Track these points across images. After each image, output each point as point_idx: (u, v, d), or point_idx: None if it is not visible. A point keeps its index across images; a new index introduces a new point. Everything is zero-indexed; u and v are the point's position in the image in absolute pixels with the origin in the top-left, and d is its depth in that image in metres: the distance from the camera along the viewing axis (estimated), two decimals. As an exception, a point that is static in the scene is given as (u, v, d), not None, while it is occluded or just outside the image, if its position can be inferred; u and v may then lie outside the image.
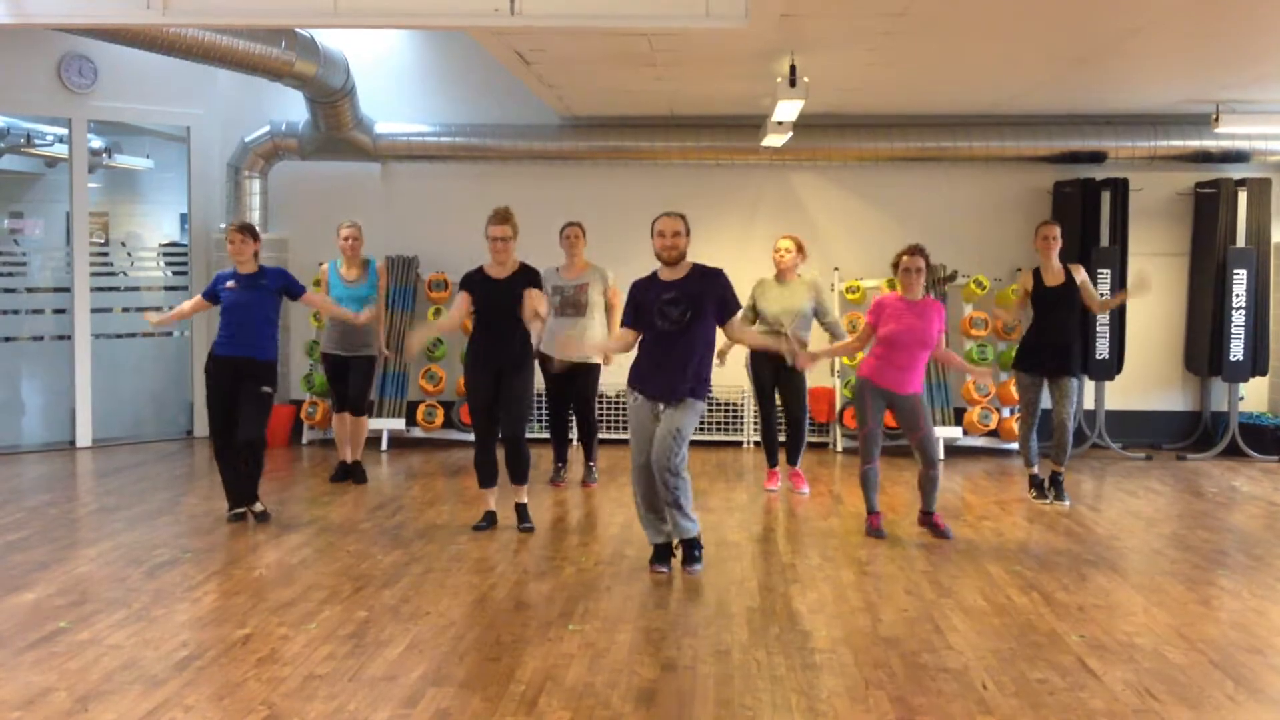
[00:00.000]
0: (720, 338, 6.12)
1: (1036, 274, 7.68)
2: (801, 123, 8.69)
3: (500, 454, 6.84)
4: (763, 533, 6.91)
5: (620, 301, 7.76)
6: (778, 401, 8.04)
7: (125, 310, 10.38)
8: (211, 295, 7.08)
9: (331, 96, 9.28)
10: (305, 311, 10.01)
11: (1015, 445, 9.85)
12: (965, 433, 9.81)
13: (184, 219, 11.37)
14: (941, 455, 6.82)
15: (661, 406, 5.81)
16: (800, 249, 7.85)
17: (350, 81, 9.39)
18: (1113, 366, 9.89)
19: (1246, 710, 4.14)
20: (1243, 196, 9.98)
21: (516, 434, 6.78)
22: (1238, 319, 9.71)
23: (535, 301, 6.60)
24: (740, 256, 9.37)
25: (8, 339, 9.94)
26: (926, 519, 6.80)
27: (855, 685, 4.33)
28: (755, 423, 10.21)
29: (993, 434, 9.88)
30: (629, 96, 9.15)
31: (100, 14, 6.07)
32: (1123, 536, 6.90)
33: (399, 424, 10.01)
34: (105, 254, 10.77)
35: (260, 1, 5.92)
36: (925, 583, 5.77)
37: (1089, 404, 10.00)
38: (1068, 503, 7.70)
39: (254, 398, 6.92)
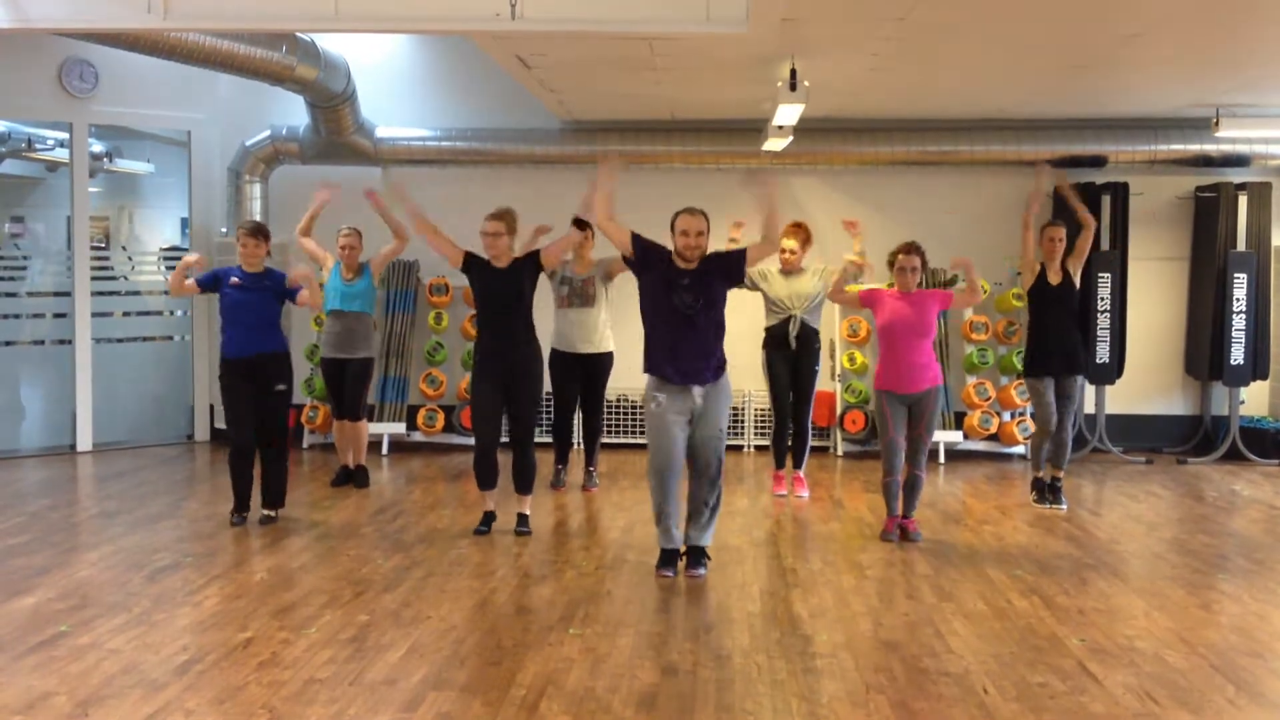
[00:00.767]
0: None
1: (1043, 269, 7.76)
2: (802, 127, 8.69)
3: (503, 459, 6.82)
4: (764, 537, 6.90)
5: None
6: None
7: (126, 314, 10.38)
8: (208, 283, 7.00)
9: (332, 101, 9.28)
10: (306, 316, 10.03)
11: (1016, 449, 9.88)
12: (966, 437, 9.81)
13: (185, 223, 11.38)
14: (925, 468, 6.80)
15: (696, 391, 5.78)
16: (807, 241, 7.95)
17: (351, 86, 9.40)
18: (1113, 371, 9.89)
19: (1247, 714, 4.14)
20: (1243, 201, 9.98)
21: (524, 440, 6.79)
22: (1238, 323, 9.71)
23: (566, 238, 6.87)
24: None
25: (8, 343, 9.94)
26: (901, 522, 6.81)
27: (856, 690, 4.33)
28: (758, 426, 10.22)
29: (993, 438, 9.88)
30: (630, 101, 9.16)
31: (101, 18, 6.10)
32: (1123, 540, 6.90)
33: (400, 428, 10.01)
34: (106, 258, 10.78)
35: (261, 5, 5.94)
36: (926, 587, 5.77)
37: (1089, 408, 10.00)
38: (1064, 506, 7.71)
39: (275, 399, 6.97)
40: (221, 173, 10.41)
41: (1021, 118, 9.91)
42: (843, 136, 10.01)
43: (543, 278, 6.99)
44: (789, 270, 7.88)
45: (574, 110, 9.70)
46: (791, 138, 8.89)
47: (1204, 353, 9.99)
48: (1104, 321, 9.71)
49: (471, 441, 9.77)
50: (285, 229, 10.43)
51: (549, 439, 8.62)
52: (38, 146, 11.27)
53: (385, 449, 9.91)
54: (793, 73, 7.39)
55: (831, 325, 9.73)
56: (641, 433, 9.94)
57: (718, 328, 5.89)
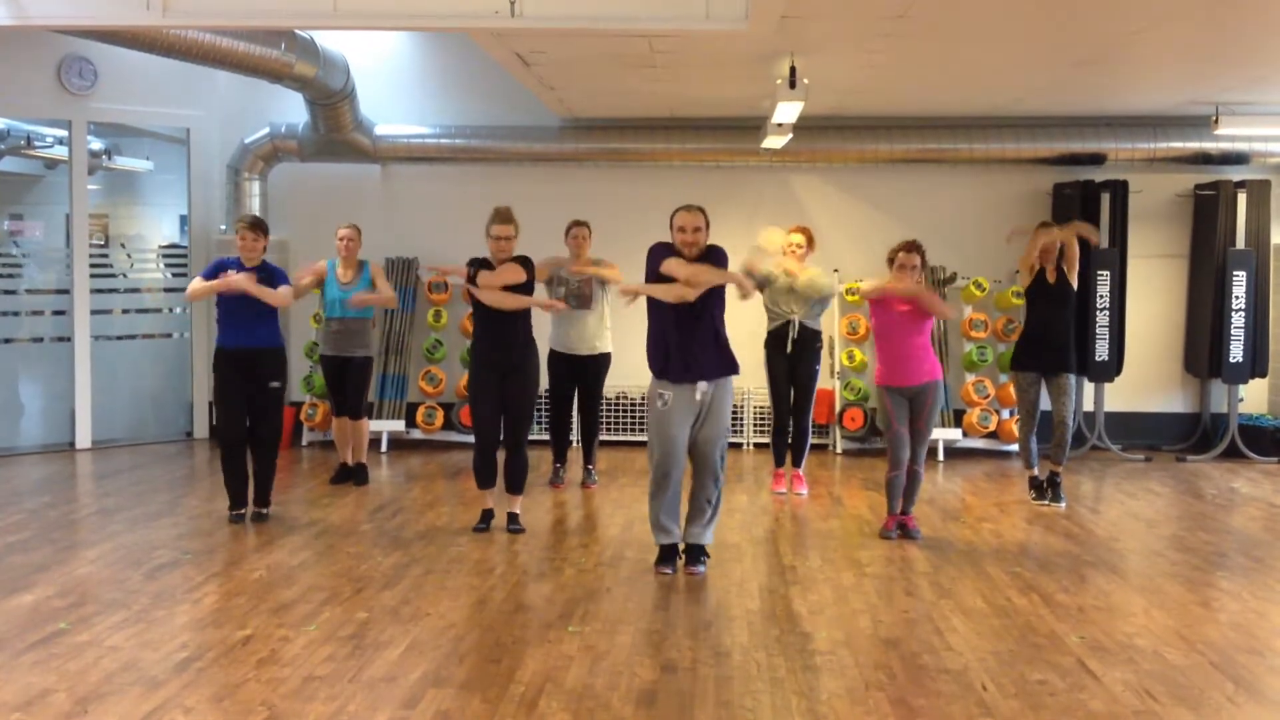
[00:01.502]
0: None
1: (1041, 269, 7.79)
2: (801, 125, 8.69)
3: (499, 459, 6.83)
4: (763, 535, 6.91)
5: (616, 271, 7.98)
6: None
7: (125, 312, 10.38)
8: (211, 278, 6.97)
9: (331, 98, 9.28)
10: (305, 313, 10.02)
11: (1015, 447, 9.88)
12: (965, 434, 9.81)
13: (184, 221, 11.37)
14: (924, 464, 6.81)
15: (705, 388, 5.79)
16: (810, 243, 7.92)
17: (350, 83, 9.40)
18: (1112, 368, 9.89)
19: (1246, 712, 4.14)
20: (1242, 198, 9.98)
21: (519, 440, 6.77)
22: (1237, 321, 9.71)
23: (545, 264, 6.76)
24: (740, 258, 9.36)
25: (7, 340, 9.93)
26: (900, 518, 6.83)
27: (855, 687, 4.33)
28: (757, 424, 10.22)
29: (992, 435, 9.89)
30: (629, 98, 9.15)
31: (100, 15, 6.08)
32: (1122, 538, 6.90)
33: (399, 425, 10.01)
34: (105, 256, 10.77)
35: (260, 3, 5.93)
36: (925, 584, 5.77)
37: (1088, 405, 10.00)
38: (1063, 504, 7.72)
39: (268, 396, 6.96)
40: (221, 170, 10.41)
41: (1021, 115, 9.91)
42: (842, 134, 10.01)
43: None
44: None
45: (573, 108, 9.70)
46: (791, 135, 8.89)
47: (1203, 350, 10.00)
48: (1103, 319, 9.71)
49: (470, 439, 9.81)
50: (284, 227, 10.45)
51: (547, 437, 8.63)
52: (37, 144, 11.27)
53: (384, 446, 9.91)
54: (792, 70, 7.39)
55: (831, 323, 9.72)
56: (641, 430, 9.97)
57: (720, 324, 5.91)
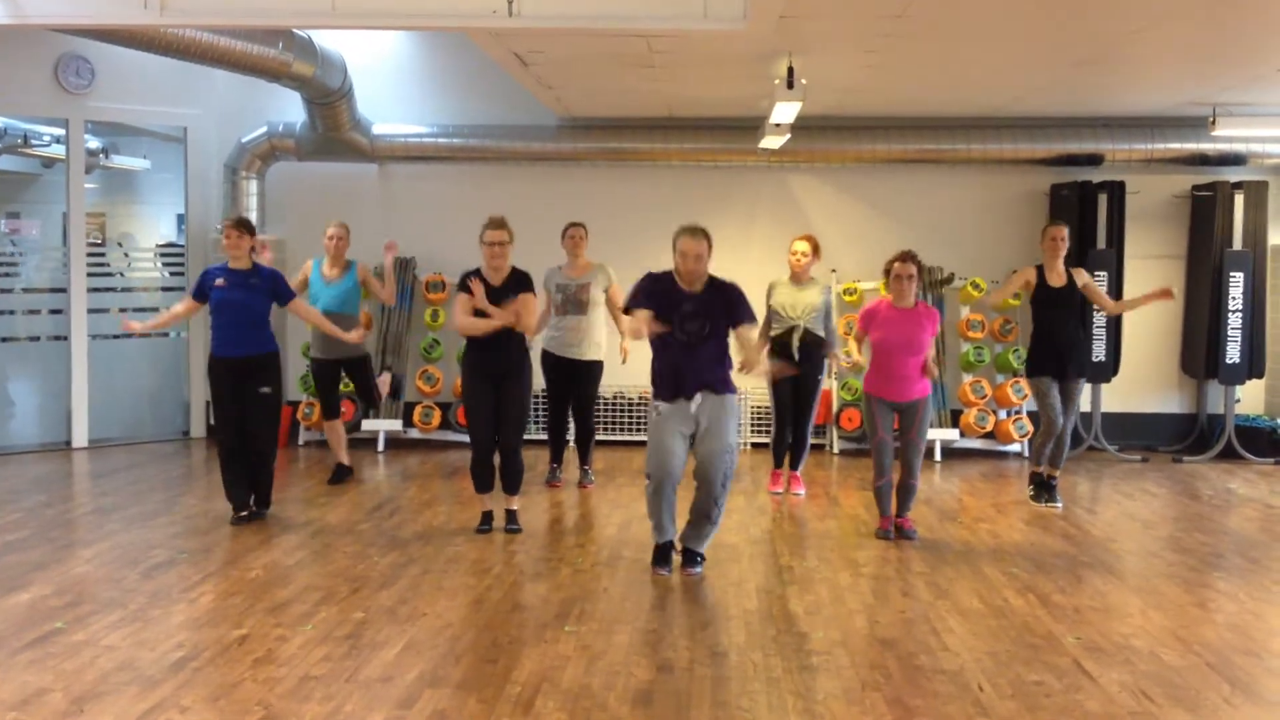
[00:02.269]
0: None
1: (1040, 273, 7.65)
2: (799, 125, 8.69)
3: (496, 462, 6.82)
4: (760, 535, 6.91)
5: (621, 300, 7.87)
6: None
7: (122, 311, 10.36)
8: (201, 294, 6.96)
9: (329, 97, 9.27)
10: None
11: (1012, 448, 9.89)
12: (962, 434, 9.81)
13: (181, 219, 11.36)
14: (919, 474, 6.78)
15: (699, 401, 5.72)
16: (816, 250, 7.84)
17: (348, 82, 9.39)
18: (1109, 369, 9.90)
19: (1242, 713, 4.14)
20: (1239, 199, 9.98)
21: (514, 443, 6.71)
22: (1234, 321, 9.72)
23: (519, 306, 6.50)
24: (739, 259, 9.37)
25: (4, 339, 9.92)
26: (896, 521, 6.81)
27: (852, 687, 4.33)
28: (755, 425, 10.21)
29: (989, 436, 9.89)
30: (627, 98, 9.15)
31: (98, 14, 6.07)
32: (1119, 539, 6.90)
33: (396, 425, 10.00)
34: (102, 254, 10.75)
35: (258, 2, 5.92)
36: (922, 585, 5.77)
37: (1085, 406, 10.00)
38: (1060, 505, 7.71)
39: (259, 403, 6.91)
40: (218, 169, 10.40)
41: (1018, 116, 9.92)
42: (840, 134, 10.01)
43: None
44: (798, 279, 7.78)
45: (571, 107, 9.70)
46: (789, 135, 8.88)
47: (1200, 351, 10.00)
48: (1100, 320, 9.70)
49: (464, 438, 9.80)
50: (282, 226, 10.45)
51: (543, 436, 8.62)
52: (34, 142, 11.26)
53: (381, 445, 9.90)
54: (790, 70, 7.39)
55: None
56: (638, 430, 9.98)
57: (724, 350, 5.86)
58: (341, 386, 8.48)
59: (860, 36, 6.94)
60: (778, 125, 8.30)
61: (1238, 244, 9.95)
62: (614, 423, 10.17)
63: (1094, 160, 9.98)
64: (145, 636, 4.83)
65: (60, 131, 10.25)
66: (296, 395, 10.22)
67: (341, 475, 8.35)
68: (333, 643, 4.77)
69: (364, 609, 5.25)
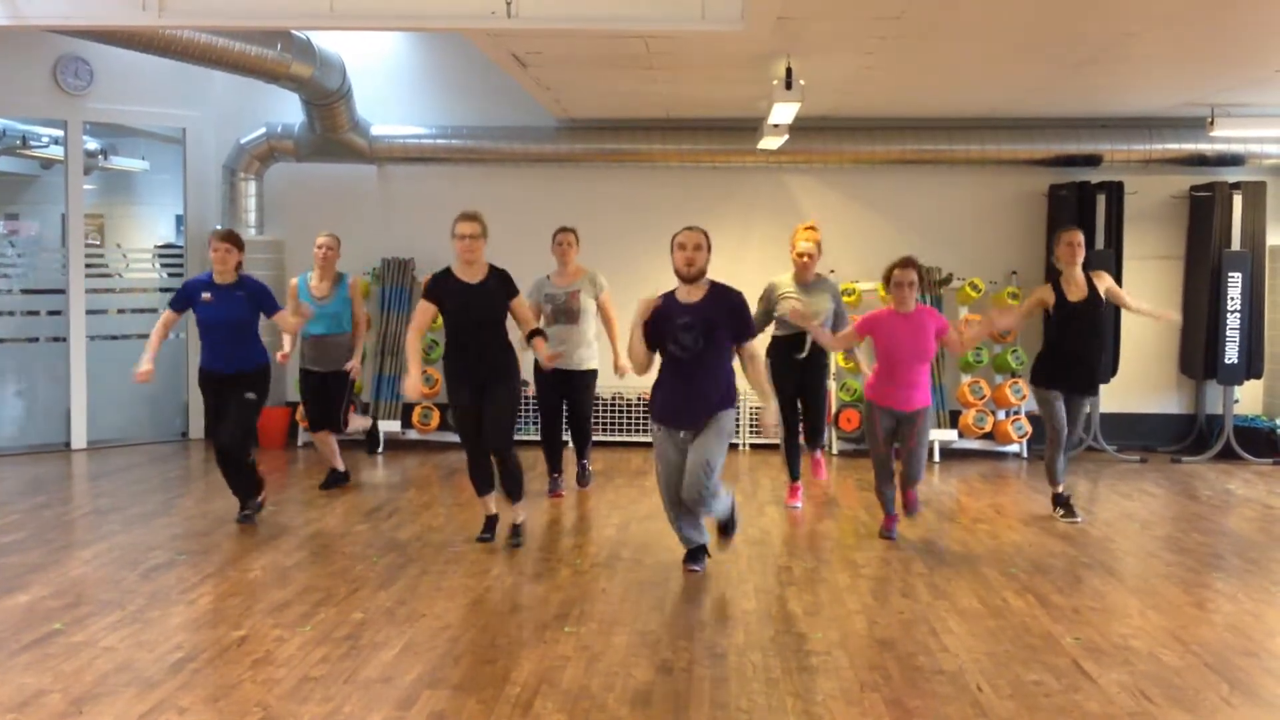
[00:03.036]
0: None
1: (1057, 287, 7.10)
2: (798, 125, 8.70)
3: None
4: (759, 535, 6.90)
5: (615, 312, 7.70)
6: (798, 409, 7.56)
7: (120, 312, 10.37)
8: (181, 305, 6.83)
9: (327, 98, 9.28)
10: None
11: (1010, 448, 9.89)
12: (960, 435, 9.82)
13: (179, 221, 11.36)
14: (921, 478, 6.69)
15: (682, 435, 5.65)
16: (819, 248, 7.39)
17: (346, 83, 9.39)
18: (1108, 369, 9.89)
19: (1241, 713, 4.15)
20: (1238, 200, 9.99)
21: (502, 447, 6.32)
22: (1233, 322, 9.73)
23: (524, 313, 6.37)
24: (737, 259, 9.40)
25: (2, 340, 9.92)
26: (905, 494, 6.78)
27: (851, 688, 4.33)
28: (753, 425, 10.21)
29: (988, 436, 9.90)
30: (625, 99, 9.15)
31: (96, 15, 6.07)
32: (1118, 539, 6.90)
33: (394, 426, 10.00)
34: (100, 255, 10.75)
35: (256, 3, 5.92)
36: (921, 585, 5.77)
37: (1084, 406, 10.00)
38: (1080, 519, 7.28)
39: (238, 405, 6.77)
40: (217, 170, 10.40)
41: (1016, 116, 9.92)
42: (838, 135, 10.02)
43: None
44: (804, 282, 7.34)
45: (570, 108, 9.70)
46: (787, 136, 8.89)
47: (1198, 351, 10.00)
48: (1099, 320, 9.71)
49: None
50: (280, 227, 10.45)
51: (535, 438, 8.57)
52: (32, 144, 11.27)
53: (380, 446, 9.90)
54: (788, 71, 7.40)
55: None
56: (637, 431, 9.98)
57: (724, 370, 5.66)
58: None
59: (858, 37, 6.94)
60: (776, 126, 8.30)
61: (1236, 244, 9.95)
62: (613, 423, 10.17)
63: (1092, 161, 9.99)
64: (144, 638, 4.83)
65: (59, 133, 10.26)
66: (294, 397, 10.21)
67: (335, 480, 8.17)
68: (332, 644, 4.77)
69: (363, 610, 5.25)
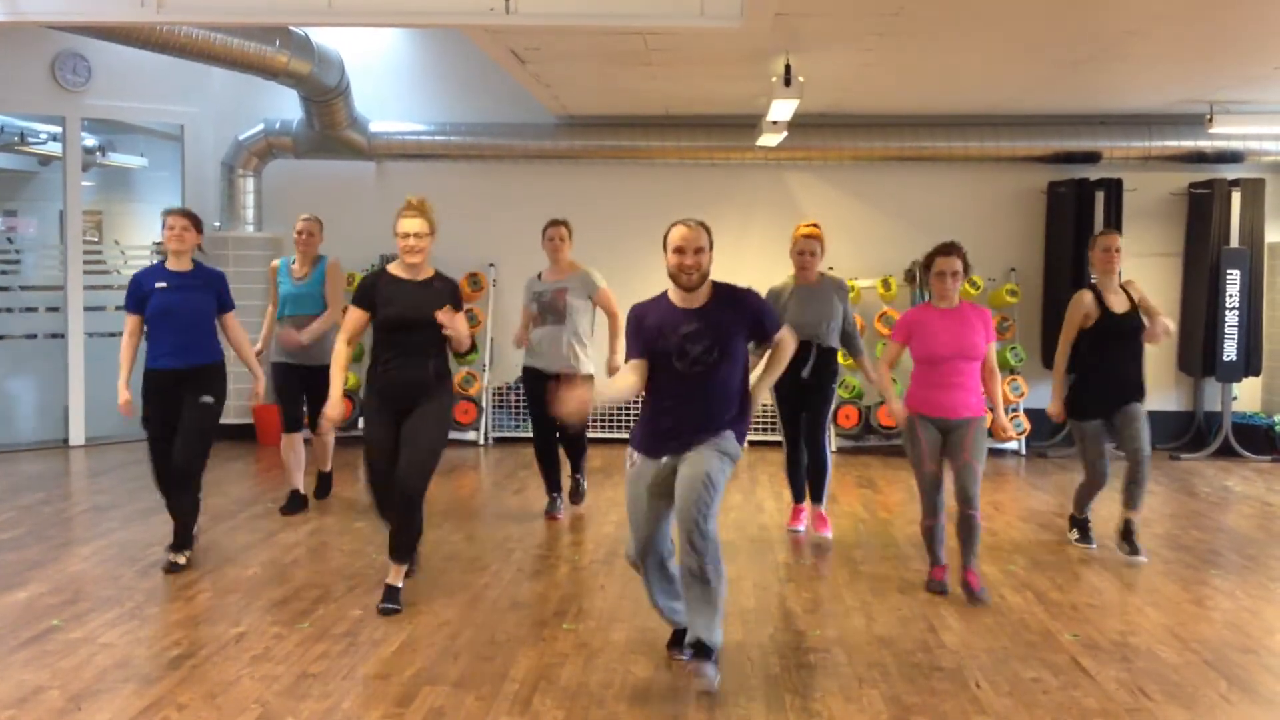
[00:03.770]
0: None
1: (1099, 299, 6.18)
2: (797, 122, 8.69)
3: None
4: (757, 532, 6.90)
5: (618, 310, 6.72)
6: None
7: (119, 308, 10.35)
8: (138, 305, 5.83)
9: (326, 95, 9.27)
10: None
11: (1008, 445, 9.88)
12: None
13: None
14: (979, 503, 5.53)
15: (664, 461, 4.35)
16: (822, 248, 6.64)
17: (345, 80, 9.39)
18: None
19: (1240, 710, 4.15)
20: (1236, 197, 10.00)
21: (413, 489, 5.10)
22: (1231, 319, 9.73)
23: (445, 318, 5.16)
24: (736, 257, 9.39)
25: (1, 337, 9.91)
26: (962, 575, 5.51)
27: (849, 685, 4.33)
28: (753, 423, 10.20)
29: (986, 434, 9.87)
30: (624, 95, 9.15)
31: (95, 12, 6.07)
32: (1116, 536, 6.89)
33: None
34: (99, 252, 10.73)
35: (254, -1, 5.92)
36: (918, 582, 5.77)
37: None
38: (1144, 558, 6.21)
39: (196, 412, 5.80)
40: (215, 167, 10.39)
41: (1016, 114, 9.92)
42: (837, 132, 10.02)
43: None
44: (807, 284, 6.60)
45: (568, 105, 9.69)
46: (786, 133, 8.88)
47: (1197, 349, 10.01)
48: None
49: (460, 435, 9.79)
50: (279, 224, 10.43)
51: (525, 435, 8.49)
52: (30, 140, 11.25)
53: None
54: (787, 68, 7.40)
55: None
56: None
57: (737, 391, 4.44)
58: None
59: (857, 34, 6.94)
60: (775, 123, 8.30)
61: (1235, 241, 9.96)
62: (611, 422, 10.17)
63: (1091, 158, 9.99)
64: (142, 634, 4.83)
65: (57, 129, 10.25)
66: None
67: (325, 488, 7.72)
68: (330, 640, 4.77)
69: (361, 606, 5.24)
